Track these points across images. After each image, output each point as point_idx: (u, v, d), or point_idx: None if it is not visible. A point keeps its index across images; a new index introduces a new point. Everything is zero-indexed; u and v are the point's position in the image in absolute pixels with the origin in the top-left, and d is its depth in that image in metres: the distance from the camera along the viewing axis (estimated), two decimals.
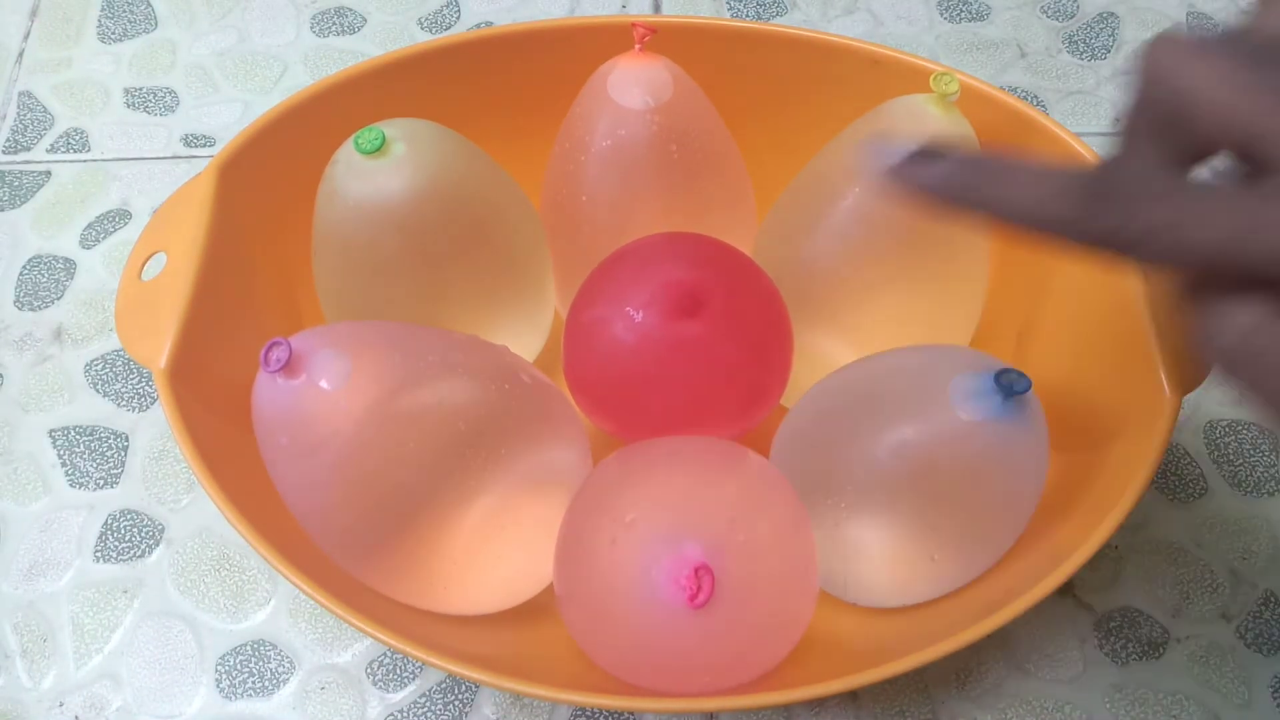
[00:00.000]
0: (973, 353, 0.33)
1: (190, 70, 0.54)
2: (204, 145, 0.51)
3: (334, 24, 0.55)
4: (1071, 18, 0.55)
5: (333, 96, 0.39)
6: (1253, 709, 0.38)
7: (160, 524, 0.42)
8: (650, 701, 0.31)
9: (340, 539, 0.32)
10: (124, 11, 0.56)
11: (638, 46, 0.37)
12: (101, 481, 0.43)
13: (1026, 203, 0.21)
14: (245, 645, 0.39)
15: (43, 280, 0.48)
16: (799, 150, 0.40)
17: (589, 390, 0.37)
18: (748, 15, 0.55)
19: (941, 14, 0.55)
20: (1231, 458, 0.43)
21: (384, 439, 0.30)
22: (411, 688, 0.38)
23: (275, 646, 0.39)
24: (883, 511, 0.33)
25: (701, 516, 0.31)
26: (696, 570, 0.29)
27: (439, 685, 0.38)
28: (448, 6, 0.56)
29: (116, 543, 0.41)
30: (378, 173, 0.34)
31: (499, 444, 0.32)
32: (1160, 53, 0.21)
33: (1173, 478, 0.42)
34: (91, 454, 0.43)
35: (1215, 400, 0.44)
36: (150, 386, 0.45)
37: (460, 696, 0.38)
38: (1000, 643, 0.39)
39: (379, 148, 0.33)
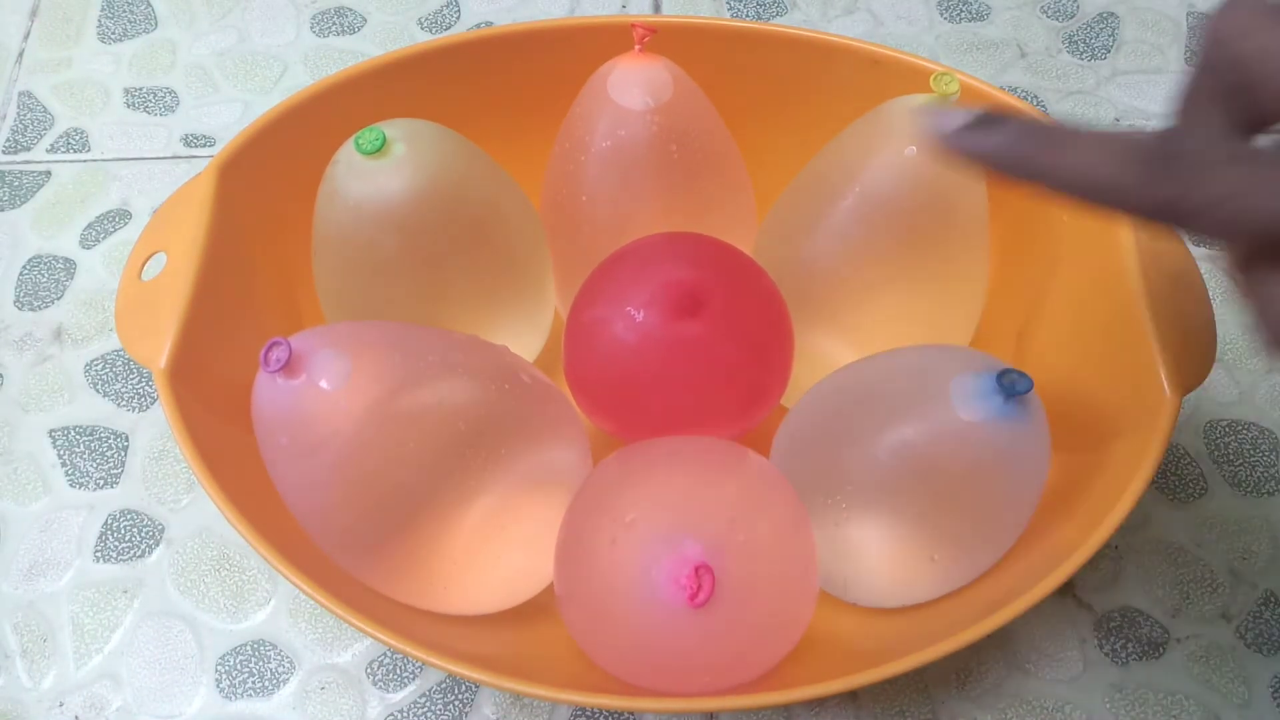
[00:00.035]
0: (973, 353, 0.33)
1: (190, 70, 0.54)
2: (204, 145, 0.51)
3: (334, 24, 0.55)
4: (1071, 18, 0.55)
5: (333, 96, 0.39)
6: (1253, 709, 0.38)
7: (160, 524, 0.42)
8: (650, 701, 0.31)
9: (340, 539, 0.32)
10: (124, 11, 0.56)
11: (638, 47, 0.37)
12: (101, 481, 0.43)
13: (1085, 170, 0.21)
14: (245, 645, 0.39)
15: (43, 280, 0.48)
16: (799, 150, 0.40)
17: (589, 390, 0.37)
18: (748, 15, 0.55)
19: (941, 14, 0.55)
20: (1231, 458, 0.43)
21: (384, 439, 0.30)
22: (411, 688, 0.38)
23: (275, 646, 0.39)
24: (883, 511, 0.33)
25: (701, 516, 0.31)
26: (696, 570, 0.29)
27: (439, 685, 0.38)
28: (448, 6, 0.56)
29: (116, 543, 0.41)
30: (378, 173, 0.34)
31: (499, 444, 0.32)
32: (1229, 16, 0.21)
33: (1173, 478, 0.42)
34: (91, 454, 0.43)
35: (1215, 400, 0.44)
36: (150, 386, 0.45)
37: (460, 696, 0.38)
38: (1000, 643, 0.39)
39: (379, 148, 0.33)
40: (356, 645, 0.39)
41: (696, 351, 0.34)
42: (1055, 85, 0.53)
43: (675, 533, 0.30)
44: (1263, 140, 0.21)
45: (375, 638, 0.30)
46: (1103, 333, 0.35)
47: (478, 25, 0.55)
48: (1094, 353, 0.36)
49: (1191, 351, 0.33)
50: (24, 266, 0.48)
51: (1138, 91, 0.52)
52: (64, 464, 0.43)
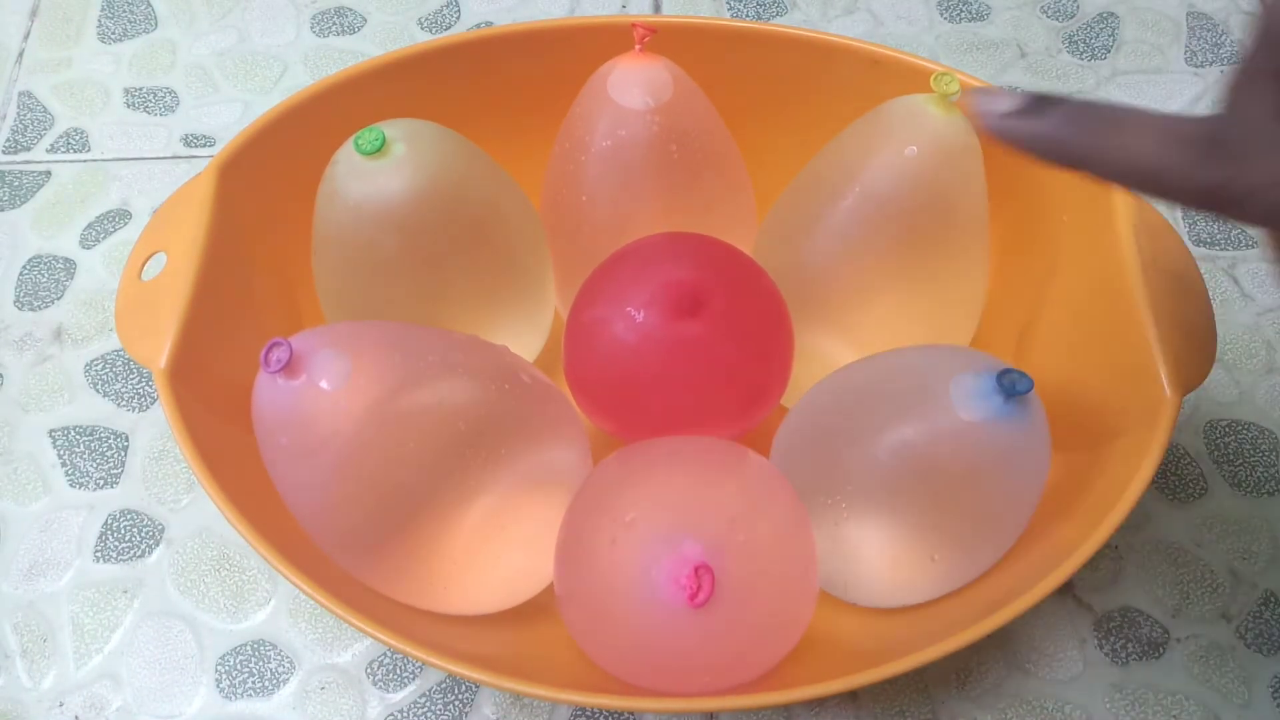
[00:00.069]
0: (973, 353, 0.33)
1: (190, 70, 0.54)
2: (204, 145, 0.51)
3: (334, 24, 0.55)
4: (1071, 18, 0.55)
5: (333, 96, 0.39)
6: (1253, 709, 0.38)
7: (160, 524, 0.42)
8: (650, 701, 0.31)
9: (340, 539, 0.32)
10: (124, 11, 0.56)
11: (638, 46, 0.37)
12: (101, 481, 0.43)
13: (1134, 154, 0.21)
14: (245, 645, 0.39)
15: (43, 280, 0.48)
16: (799, 150, 0.40)
17: (589, 390, 0.37)
18: (748, 15, 0.55)
19: (941, 14, 0.55)
20: (1231, 458, 0.43)
21: (384, 439, 0.30)
22: (411, 688, 0.38)
23: (275, 646, 0.39)
24: (883, 511, 0.33)
25: (701, 516, 0.31)
26: (696, 570, 0.29)
27: (439, 685, 0.38)
28: (448, 6, 0.56)
29: (116, 543, 0.41)
30: (378, 173, 0.34)
31: (499, 444, 0.32)
32: None
33: (1173, 478, 0.42)
34: (91, 454, 0.43)
35: (1215, 400, 0.44)
36: (150, 386, 0.45)
37: (460, 696, 0.38)
38: (1000, 643, 0.39)
39: (379, 148, 0.33)
40: (356, 645, 0.39)
41: (696, 351, 0.34)
42: (1055, 85, 0.53)
43: (675, 533, 0.30)
44: None
45: (375, 638, 0.30)
46: (1103, 333, 0.35)
47: (478, 25, 0.55)
48: (1094, 352, 0.36)
49: (1191, 351, 0.33)
50: (24, 266, 0.48)
51: (1138, 91, 0.52)
52: (64, 464, 0.43)
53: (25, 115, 0.52)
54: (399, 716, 0.38)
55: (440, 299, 0.37)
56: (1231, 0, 0.55)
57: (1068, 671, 0.38)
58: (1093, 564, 0.40)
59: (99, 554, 0.41)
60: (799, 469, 0.34)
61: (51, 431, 0.44)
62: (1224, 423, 0.43)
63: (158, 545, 0.41)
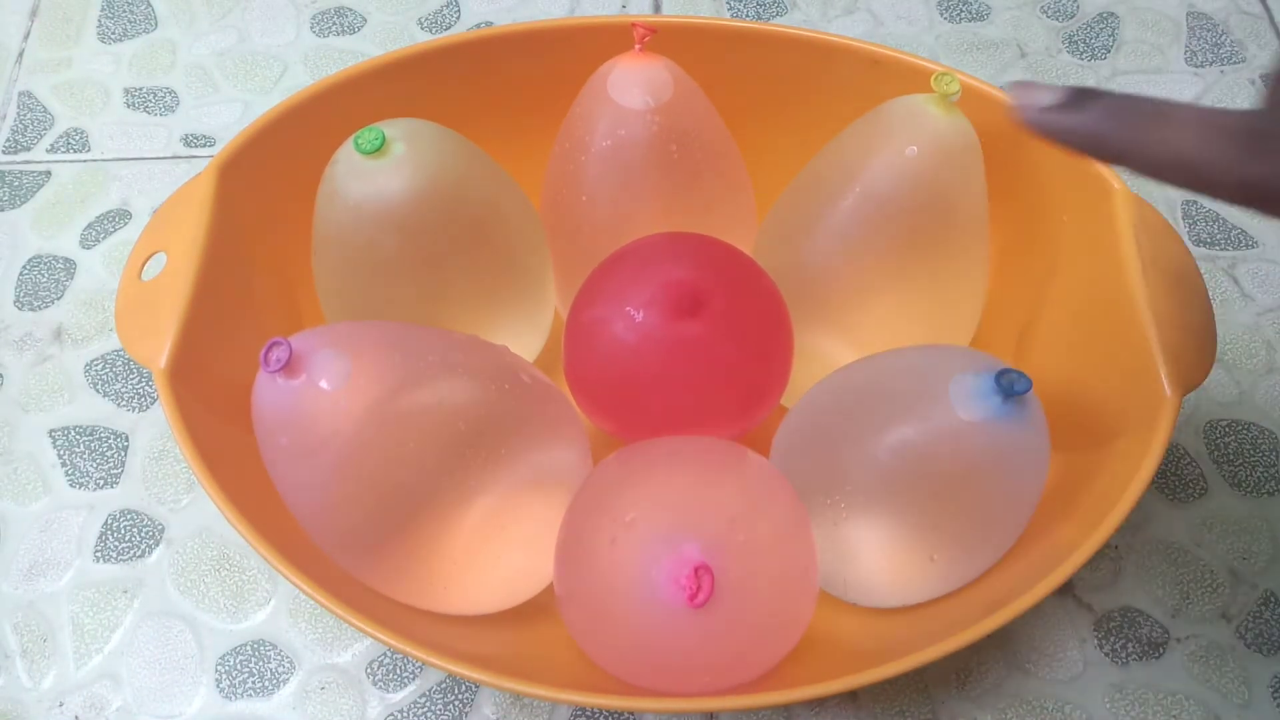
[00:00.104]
0: (973, 353, 0.33)
1: (190, 70, 0.54)
2: (204, 145, 0.51)
3: (334, 24, 0.55)
4: (1071, 18, 0.55)
5: (333, 96, 0.39)
6: (1253, 709, 0.38)
7: (160, 524, 0.42)
8: (650, 701, 0.31)
9: (340, 539, 0.32)
10: (124, 11, 0.56)
11: (638, 46, 0.37)
12: (101, 481, 0.43)
13: (1175, 149, 0.21)
14: (245, 645, 0.39)
15: (43, 280, 0.48)
16: (799, 150, 0.40)
17: (589, 390, 0.37)
18: (748, 15, 0.55)
19: (941, 14, 0.55)
20: (1231, 458, 0.43)
21: (384, 439, 0.30)
22: (411, 688, 0.38)
23: (275, 646, 0.39)
24: (883, 511, 0.33)
25: (701, 516, 0.31)
26: (696, 570, 0.29)
27: (439, 685, 0.38)
28: (448, 6, 0.56)
29: (116, 543, 0.41)
30: (378, 173, 0.34)
31: (499, 444, 0.32)
32: None
33: (1173, 478, 0.42)
34: (91, 454, 0.43)
35: (1215, 400, 0.44)
36: (150, 386, 0.45)
37: (460, 696, 0.38)
38: (1000, 643, 0.39)
39: (379, 148, 0.33)
40: (356, 645, 0.39)
41: (696, 351, 0.34)
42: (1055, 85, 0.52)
43: (675, 533, 0.30)
44: None
45: (375, 638, 0.30)
46: (1103, 333, 0.35)
47: (478, 25, 0.55)
48: (1094, 353, 0.36)
49: (1191, 351, 0.33)
50: (24, 266, 0.48)
51: (1137, 91, 0.52)
52: (64, 464, 0.43)
53: (25, 115, 0.52)
54: (399, 716, 0.38)
55: (440, 299, 0.37)
56: (1231, 0, 0.55)
57: (1068, 671, 0.38)
58: (1093, 564, 0.40)
59: (99, 554, 0.41)
60: (799, 469, 0.34)
61: (51, 431, 0.44)
62: (1224, 423, 0.43)
63: (158, 545, 0.41)
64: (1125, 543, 0.41)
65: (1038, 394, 0.31)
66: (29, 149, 0.51)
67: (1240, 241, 0.48)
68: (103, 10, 0.56)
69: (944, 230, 0.37)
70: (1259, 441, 0.43)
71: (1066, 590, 0.40)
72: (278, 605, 0.40)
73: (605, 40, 0.39)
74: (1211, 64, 0.53)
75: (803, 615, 0.32)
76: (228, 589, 0.40)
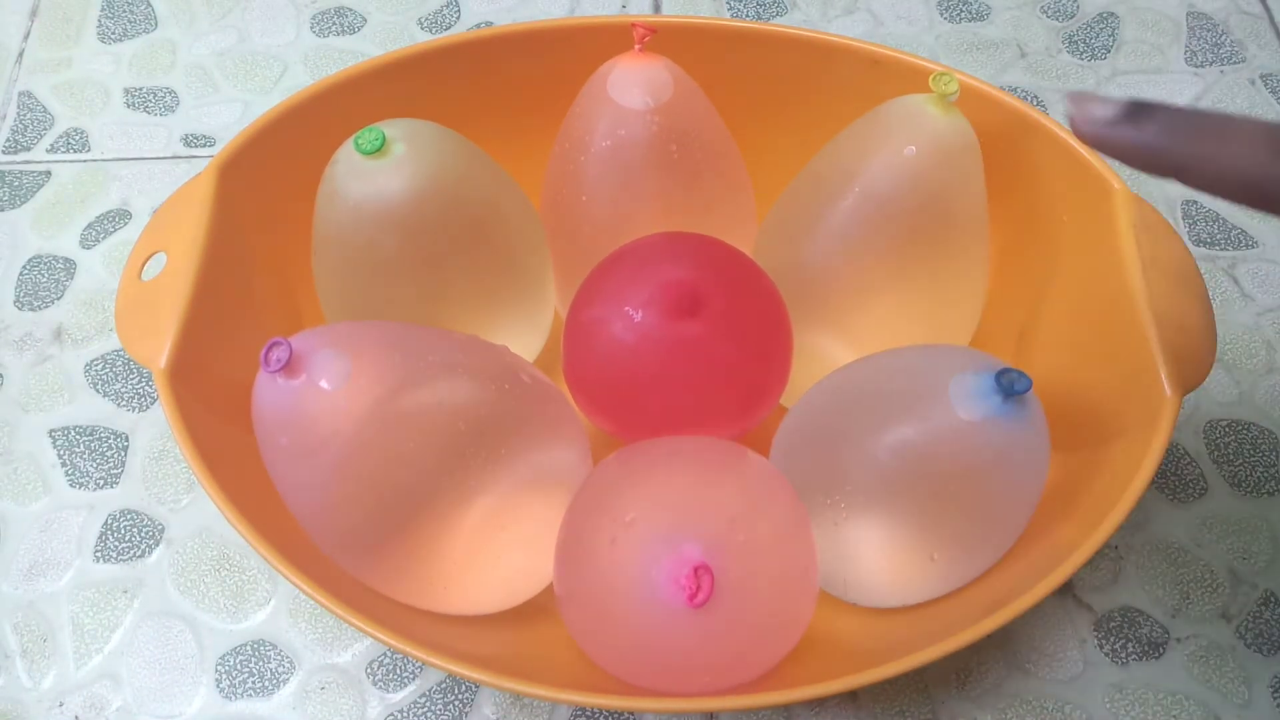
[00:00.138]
0: (973, 352, 0.33)
1: (190, 70, 0.54)
2: (204, 145, 0.51)
3: (334, 24, 0.55)
4: (1071, 18, 0.55)
5: (333, 96, 0.39)
6: (1253, 709, 0.38)
7: (160, 524, 0.42)
8: (650, 701, 0.31)
9: (340, 539, 0.32)
10: (124, 11, 0.56)
11: (638, 46, 0.37)
12: (101, 481, 0.43)
13: (1235, 164, 0.21)
14: (245, 645, 0.39)
15: (43, 280, 0.48)
16: (799, 150, 0.40)
17: (589, 390, 0.37)
18: (748, 15, 0.55)
19: (941, 14, 0.55)
20: (1231, 458, 0.43)
21: (384, 439, 0.30)
22: (411, 688, 0.38)
23: (275, 646, 0.39)
24: (882, 511, 0.33)
25: (701, 516, 0.31)
26: (696, 570, 0.29)
27: (439, 685, 0.38)
28: (448, 6, 0.56)
29: (116, 543, 0.41)
30: (378, 173, 0.34)
31: (499, 444, 0.32)
32: None
33: (1173, 478, 0.42)
34: (91, 454, 0.43)
35: (1215, 400, 0.44)
36: (150, 386, 0.45)
37: (460, 696, 0.38)
38: (1000, 643, 0.39)
39: (379, 148, 0.33)
40: (356, 645, 0.39)
41: (696, 351, 0.34)
42: (1055, 85, 0.53)
43: (675, 533, 0.30)
44: None
45: (375, 638, 0.30)
46: (1103, 333, 0.35)
47: (478, 25, 0.55)
48: (1094, 353, 0.36)
49: (1191, 351, 0.33)
50: (24, 266, 0.48)
51: (1138, 91, 0.52)
52: (64, 464, 0.43)
53: (25, 115, 0.52)
54: (399, 716, 0.38)
55: (440, 299, 0.37)
56: (1231, 0, 0.55)
57: (1068, 671, 0.38)
58: (1093, 564, 0.40)
59: (99, 554, 0.41)
60: (798, 469, 0.34)
61: (51, 431, 0.44)
62: (1224, 423, 0.43)
63: (158, 545, 0.41)
64: (1125, 543, 0.41)
65: (1038, 394, 0.31)
66: (29, 149, 0.51)
67: (1240, 241, 0.48)
68: (103, 10, 0.56)
69: (943, 230, 0.37)
70: (1259, 441, 0.43)
71: (1066, 590, 0.40)
72: (278, 605, 0.40)
73: (605, 40, 0.39)
74: (1211, 64, 0.53)
75: (803, 615, 0.32)
76: (228, 589, 0.40)
